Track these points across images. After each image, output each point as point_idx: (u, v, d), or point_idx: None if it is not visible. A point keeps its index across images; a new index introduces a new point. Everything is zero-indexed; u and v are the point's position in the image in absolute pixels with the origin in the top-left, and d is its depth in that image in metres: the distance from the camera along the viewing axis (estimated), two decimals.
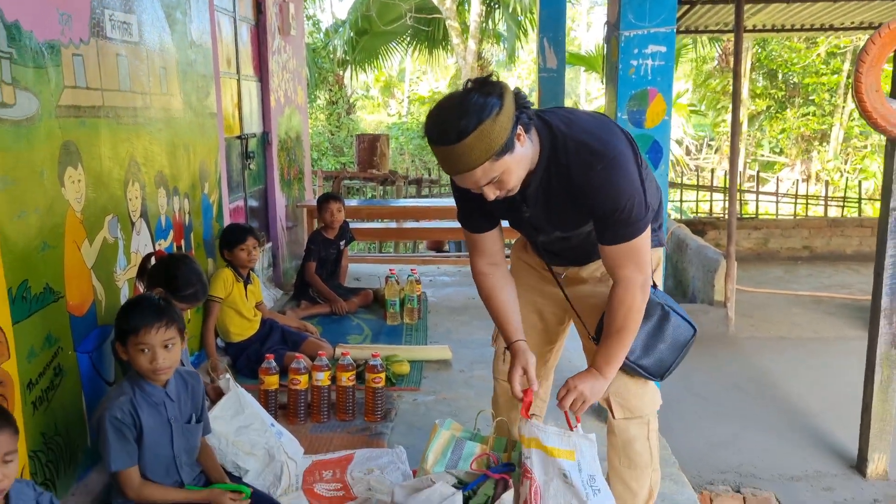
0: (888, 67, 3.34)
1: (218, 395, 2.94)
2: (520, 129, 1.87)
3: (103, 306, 2.84)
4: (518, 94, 1.88)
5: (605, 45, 3.33)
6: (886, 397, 3.45)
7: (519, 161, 1.91)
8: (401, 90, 23.97)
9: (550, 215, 2.13)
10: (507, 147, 1.85)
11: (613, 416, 2.31)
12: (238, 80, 4.93)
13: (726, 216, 9.10)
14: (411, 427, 3.33)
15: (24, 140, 2.30)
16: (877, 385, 3.45)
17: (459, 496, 2.11)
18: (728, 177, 5.87)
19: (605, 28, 3.30)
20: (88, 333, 2.73)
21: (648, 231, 2.06)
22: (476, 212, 2.20)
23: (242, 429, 2.82)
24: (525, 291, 2.41)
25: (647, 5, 3.06)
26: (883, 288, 3.32)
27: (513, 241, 2.74)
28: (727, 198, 5.75)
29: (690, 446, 3.82)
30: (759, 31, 8.09)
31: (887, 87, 3.29)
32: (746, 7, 6.26)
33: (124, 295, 3.02)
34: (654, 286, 2.27)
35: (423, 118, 20.23)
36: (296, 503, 2.68)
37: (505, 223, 2.30)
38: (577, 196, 2.00)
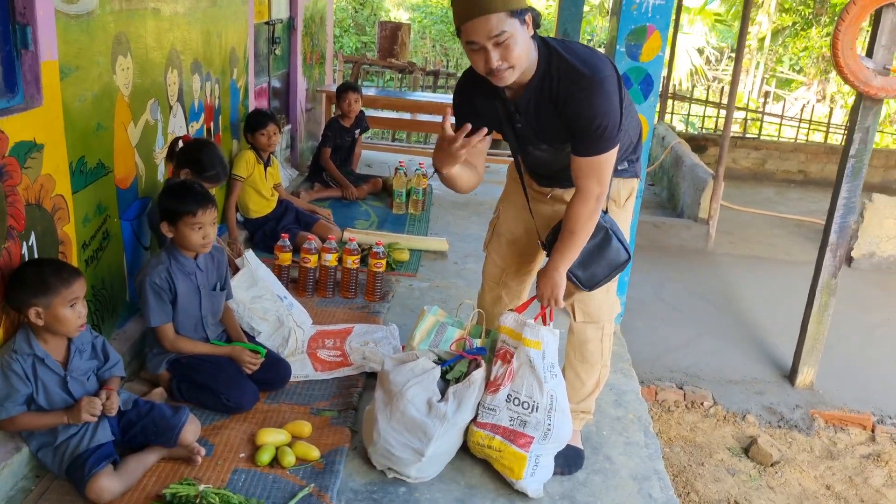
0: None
1: (236, 268, 3.39)
2: (528, 17, 2.09)
3: (143, 181, 3.24)
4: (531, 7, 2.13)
5: None
6: (822, 319, 3.89)
7: (523, 40, 2.09)
8: None
9: (539, 127, 2.32)
10: (521, 14, 2.05)
11: (574, 319, 2.66)
12: None
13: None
14: (405, 309, 3.75)
15: (85, 32, 2.62)
16: (815, 308, 3.88)
17: (437, 370, 2.51)
18: (728, 99, 6.08)
19: None
20: (131, 204, 3.13)
21: (615, 151, 2.29)
22: (472, 121, 2.18)
23: (256, 298, 3.28)
24: (515, 209, 2.71)
25: None
26: (832, 225, 3.68)
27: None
28: (730, 113, 5.97)
29: (649, 347, 4.30)
30: None
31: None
32: None
33: (161, 172, 3.40)
34: (605, 211, 2.51)
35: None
36: (301, 364, 3.12)
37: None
38: (563, 109, 2.20)
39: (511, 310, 2.57)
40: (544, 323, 2.47)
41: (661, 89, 9.32)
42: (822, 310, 3.88)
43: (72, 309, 2.23)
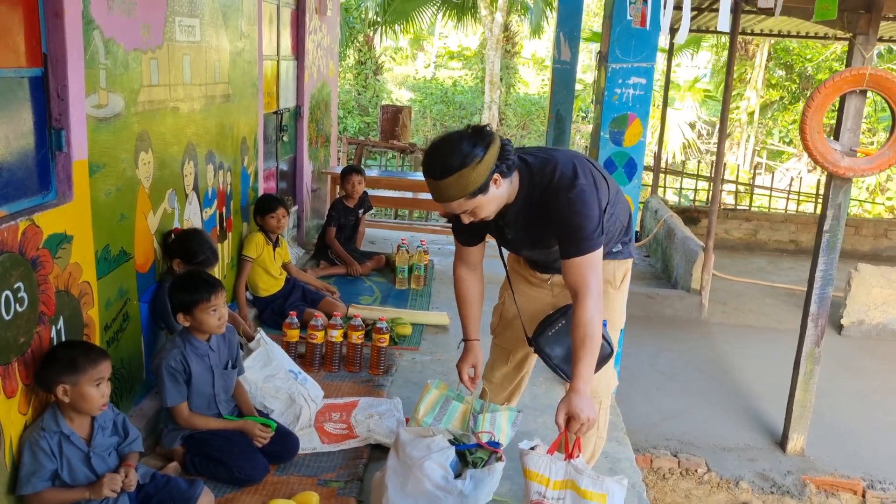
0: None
1: (249, 339, 3.57)
2: (497, 176, 2.28)
3: (161, 265, 3.45)
4: (504, 148, 2.31)
5: (596, 71, 3.85)
6: (808, 387, 4.04)
7: (491, 200, 2.32)
8: (430, 43, 24.17)
9: (528, 237, 2.54)
10: (481, 190, 2.26)
11: None
12: (277, 61, 5.47)
13: (720, 207, 9.61)
14: (408, 382, 3.89)
15: (111, 133, 2.88)
16: (801, 377, 4.04)
17: (452, 450, 2.55)
18: (714, 173, 6.35)
19: (597, 57, 3.81)
20: (148, 287, 3.34)
21: (601, 249, 2.43)
22: (467, 230, 2.58)
23: (269, 377, 3.43)
24: (518, 294, 2.87)
25: (633, 43, 3.56)
26: (812, 296, 3.88)
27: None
28: (716, 188, 6.24)
29: (644, 415, 4.43)
30: (757, 34, 8.47)
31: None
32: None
33: None
34: None
35: (447, 83, 20.60)
36: (308, 436, 3.25)
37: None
38: (548, 220, 2.39)
39: (533, 448, 2.38)
40: (569, 456, 2.27)
41: (653, 164, 9.65)
42: (807, 377, 4.04)
43: (97, 388, 2.39)
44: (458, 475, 2.54)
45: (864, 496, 3.94)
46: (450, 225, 2.69)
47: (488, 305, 3.00)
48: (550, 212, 2.37)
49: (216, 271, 3.78)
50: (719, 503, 3.80)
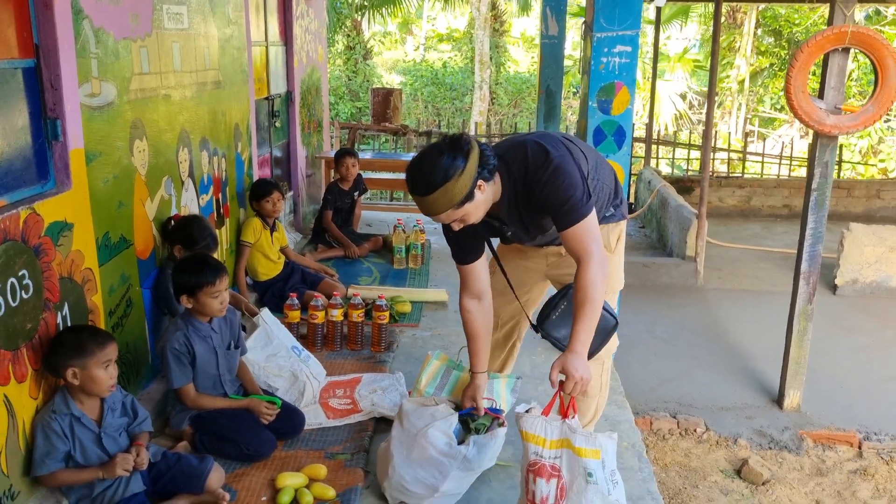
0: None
1: (253, 315, 3.64)
2: (480, 182, 2.30)
3: (161, 251, 3.51)
4: (483, 153, 2.34)
5: (582, 42, 3.89)
6: (802, 344, 4.11)
7: (478, 205, 2.35)
8: (418, 26, 24.10)
9: (527, 228, 2.58)
10: (467, 198, 2.29)
11: None
12: (266, 47, 5.49)
13: (713, 174, 9.67)
14: (409, 357, 3.96)
15: (106, 121, 2.92)
16: (795, 334, 4.11)
17: (455, 417, 2.61)
18: (703, 141, 6.41)
19: (583, 27, 3.85)
20: (150, 273, 3.39)
21: (594, 212, 2.48)
22: (464, 245, 2.62)
23: (271, 356, 3.48)
24: (510, 267, 2.90)
25: (617, 11, 3.60)
26: (803, 255, 3.94)
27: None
28: (706, 155, 6.30)
29: (643, 380, 4.51)
30: (743, 1, 8.46)
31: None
32: None
33: None
34: None
35: (437, 65, 20.57)
36: (314, 413, 3.33)
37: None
38: (539, 204, 2.43)
39: (528, 410, 2.38)
40: (565, 416, 2.29)
41: (645, 135, 9.69)
42: (801, 335, 4.11)
43: (105, 370, 2.46)
44: (461, 441, 2.61)
45: (860, 448, 4.03)
46: None
47: None
48: (536, 195, 2.41)
49: (216, 257, 3.84)
50: (718, 460, 3.89)
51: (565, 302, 2.66)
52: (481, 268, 2.68)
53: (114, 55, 2.97)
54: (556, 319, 2.69)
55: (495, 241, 2.84)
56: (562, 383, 2.30)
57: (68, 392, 2.48)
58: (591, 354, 2.50)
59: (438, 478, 2.56)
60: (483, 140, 2.67)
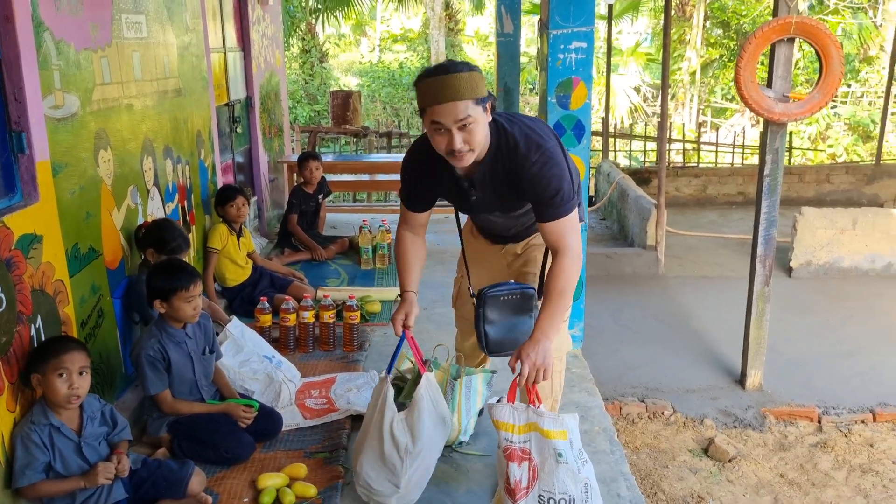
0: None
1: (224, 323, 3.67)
2: (488, 105, 2.27)
3: (129, 260, 3.51)
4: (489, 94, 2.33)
5: (538, 39, 3.97)
6: (761, 325, 4.26)
7: (483, 125, 2.28)
8: (373, 28, 24.08)
9: (494, 198, 2.51)
10: (484, 101, 2.24)
11: None
12: (224, 54, 5.49)
13: (670, 165, 9.88)
14: (382, 355, 3.98)
15: (70, 132, 2.92)
16: (753, 316, 4.26)
17: (392, 392, 2.55)
18: (659, 132, 6.56)
19: (538, 25, 3.94)
20: (120, 282, 3.40)
21: (577, 210, 2.50)
22: (421, 196, 2.62)
23: (244, 362, 3.52)
24: (473, 264, 2.94)
25: (571, 9, 3.68)
26: (758, 239, 4.09)
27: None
28: (662, 146, 6.46)
29: (611, 368, 4.63)
30: None
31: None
32: None
33: None
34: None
35: (394, 65, 20.58)
36: (291, 414, 3.36)
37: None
38: (517, 183, 2.38)
39: (498, 400, 2.43)
40: (531, 402, 2.36)
41: (602, 129, 9.86)
42: (759, 317, 4.25)
43: (61, 379, 2.41)
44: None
45: (819, 422, 4.19)
46: None
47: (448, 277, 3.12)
48: (522, 176, 2.38)
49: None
50: (686, 441, 4.01)
51: (519, 296, 2.63)
52: (423, 217, 2.69)
53: (75, 66, 2.98)
54: (503, 301, 2.62)
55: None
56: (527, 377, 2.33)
57: (46, 403, 2.48)
58: (495, 350, 2.62)
59: (396, 474, 2.54)
60: None
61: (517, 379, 2.34)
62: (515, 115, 2.52)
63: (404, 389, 2.70)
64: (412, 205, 2.68)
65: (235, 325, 3.70)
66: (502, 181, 2.43)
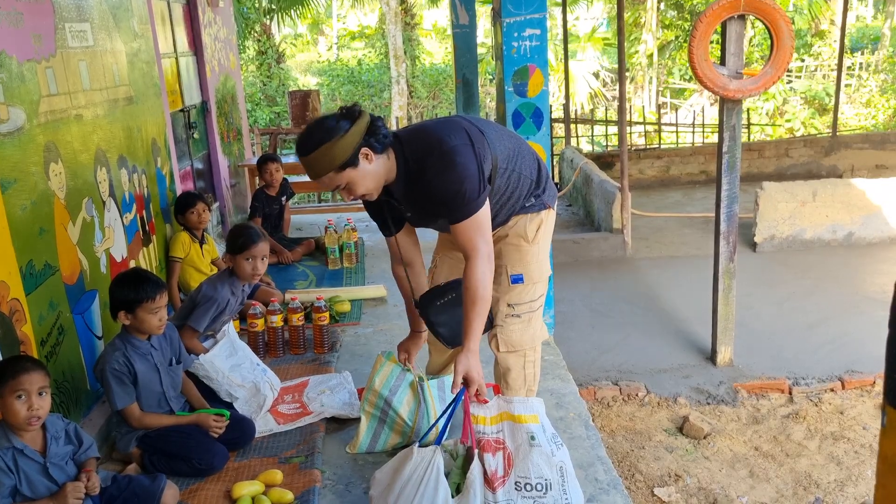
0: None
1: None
2: (367, 150, 2.32)
3: (88, 274, 3.42)
4: (373, 123, 2.34)
5: (493, 29, 3.96)
6: (728, 301, 4.31)
7: (365, 175, 2.37)
8: (329, 26, 23.92)
9: (420, 211, 2.58)
10: (349, 163, 2.30)
11: (497, 350, 2.79)
12: (176, 59, 5.40)
13: (632, 147, 9.95)
14: (354, 355, 3.98)
15: (17, 147, 2.84)
16: (720, 293, 4.30)
17: (439, 454, 2.31)
18: (619, 115, 6.59)
19: (492, 14, 3.92)
20: (79, 297, 3.32)
21: (487, 207, 2.44)
22: (381, 219, 2.72)
23: (235, 367, 3.43)
24: (443, 259, 2.97)
25: None
26: (721, 216, 4.12)
27: None
28: (622, 129, 6.51)
29: (584, 352, 4.64)
30: None
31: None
32: None
33: (103, 264, 3.60)
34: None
35: (353, 63, 20.46)
36: (264, 420, 3.31)
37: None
38: (429, 191, 2.41)
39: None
40: (497, 391, 2.46)
41: (563, 115, 9.89)
42: (726, 292, 4.29)
43: (20, 401, 2.33)
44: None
45: (790, 393, 4.24)
46: None
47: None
48: (429, 181, 2.41)
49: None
50: (661, 420, 4.04)
51: (454, 293, 2.66)
52: (403, 239, 2.76)
53: (19, 79, 2.89)
54: (440, 306, 2.69)
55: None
56: (466, 384, 2.40)
57: (6, 425, 2.41)
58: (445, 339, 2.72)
59: None
60: None
61: (467, 398, 2.40)
62: (421, 126, 2.59)
63: (452, 472, 2.40)
64: (382, 228, 2.77)
65: (231, 328, 3.63)
66: (419, 194, 2.49)
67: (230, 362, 3.42)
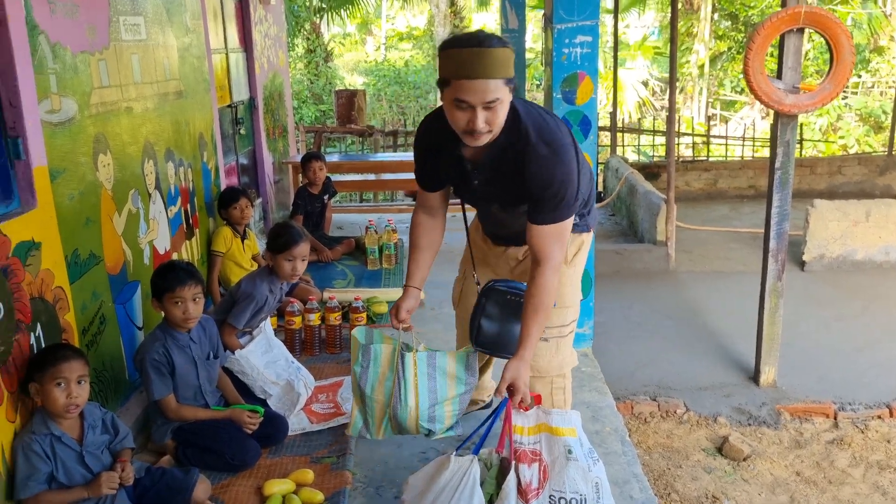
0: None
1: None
2: (513, 86, 2.11)
3: (131, 265, 3.46)
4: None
5: (543, 34, 3.91)
6: (774, 321, 4.19)
7: (507, 107, 2.13)
8: (378, 26, 24.04)
9: (495, 188, 2.33)
10: (511, 81, 2.09)
11: None
12: (226, 55, 5.46)
13: (679, 159, 9.79)
14: None
15: (68, 137, 2.89)
16: (766, 311, 4.18)
17: (476, 464, 2.25)
18: (667, 126, 6.48)
19: (543, 20, 3.88)
20: (122, 288, 3.35)
21: (572, 218, 2.34)
22: (431, 173, 2.51)
23: (270, 363, 3.45)
24: (480, 264, 2.84)
25: (576, 3, 3.62)
26: (770, 233, 4.02)
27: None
28: (671, 140, 6.41)
29: (622, 365, 4.56)
30: None
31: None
32: None
33: (146, 255, 3.64)
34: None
35: (399, 64, 20.52)
36: (297, 418, 3.32)
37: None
38: (521, 175, 2.22)
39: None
40: (537, 402, 2.35)
41: (610, 124, 9.78)
42: (772, 311, 4.18)
43: (59, 388, 2.37)
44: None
45: (835, 418, 4.11)
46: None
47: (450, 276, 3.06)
48: (527, 168, 2.22)
49: None
50: (700, 440, 3.95)
51: (520, 298, 2.48)
52: (441, 194, 2.58)
53: (72, 70, 2.93)
54: (507, 299, 2.55)
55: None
56: (510, 392, 2.29)
57: (46, 412, 2.45)
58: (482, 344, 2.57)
59: None
60: None
61: (510, 407, 2.29)
62: (533, 105, 2.37)
63: (486, 482, 2.31)
64: (422, 181, 2.58)
65: (268, 325, 3.64)
66: (508, 171, 2.27)
67: (265, 359, 3.43)
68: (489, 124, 2.10)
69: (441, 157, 2.40)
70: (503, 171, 2.27)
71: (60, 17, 2.85)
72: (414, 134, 2.60)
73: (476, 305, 2.60)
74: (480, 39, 2.04)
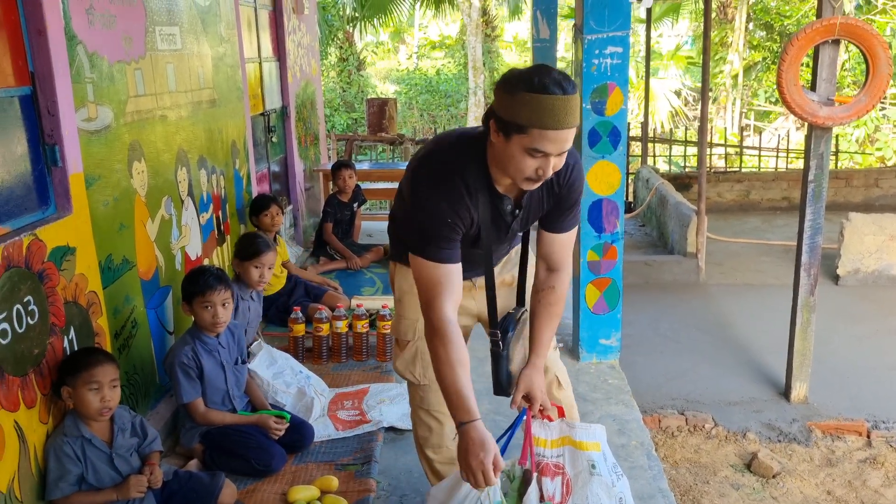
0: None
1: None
2: None
3: (163, 271, 3.52)
4: None
5: (573, 45, 3.91)
6: (806, 336, 4.12)
7: None
8: (410, 35, 24.18)
9: (530, 217, 2.23)
10: None
11: (561, 389, 2.49)
12: (259, 64, 5.53)
13: (711, 170, 9.70)
14: None
15: (103, 145, 2.95)
16: (798, 326, 4.12)
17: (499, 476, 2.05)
18: (699, 136, 6.42)
19: (573, 30, 3.88)
20: (154, 293, 3.41)
21: None
22: (453, 234, 2.05)
23: (277, 374, 3.50)
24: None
25: (606, 13, 3.62)
26: (803, 247, 3.95)
27: None
28: (702, 150, 6.36)
29: (650, 378, 4.52)
30: None
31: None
32: None
33: (178, 261, 3.69)
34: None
35: (431, 73, 20.62)
36: (323, 425, 3.34)
37: None
38: (552, 194, 2.15)
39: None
40: (560, 415, 2.31)
41: (641, 133, 9.72)
42: (804, 327, 4.12)
43: (93, 392, 2.41)
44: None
45: (868, 437, 4.03)
46: None
47: None
48: (565, 180, 2.12)
49: None
50: (728, 455, 3.89)
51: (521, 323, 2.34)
52: (458, 272, 2.09)
53: (109, 79, 3.00)
54: (521, 333, 2.35)
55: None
56: (528, 403, 2.23)
57: (76, 414, 2.49)
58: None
59: None
60: None
61: (529, 418, 2.22)
62: None
63: (508, 494, 2.19)
64: (447, 251, 2.04)
65: (265, 343, 3.71)
66: (547, 198, 2.16)
67: (271, 371, 3.49)
68: (558, 166, 1.93)
69: (478, 206, 2.05)
70: (535, 196, 2.14)
71: (98, 27, 2.91)
72: None
73: (496, 357, 2.25)
74: (563, 85, 1.81)
